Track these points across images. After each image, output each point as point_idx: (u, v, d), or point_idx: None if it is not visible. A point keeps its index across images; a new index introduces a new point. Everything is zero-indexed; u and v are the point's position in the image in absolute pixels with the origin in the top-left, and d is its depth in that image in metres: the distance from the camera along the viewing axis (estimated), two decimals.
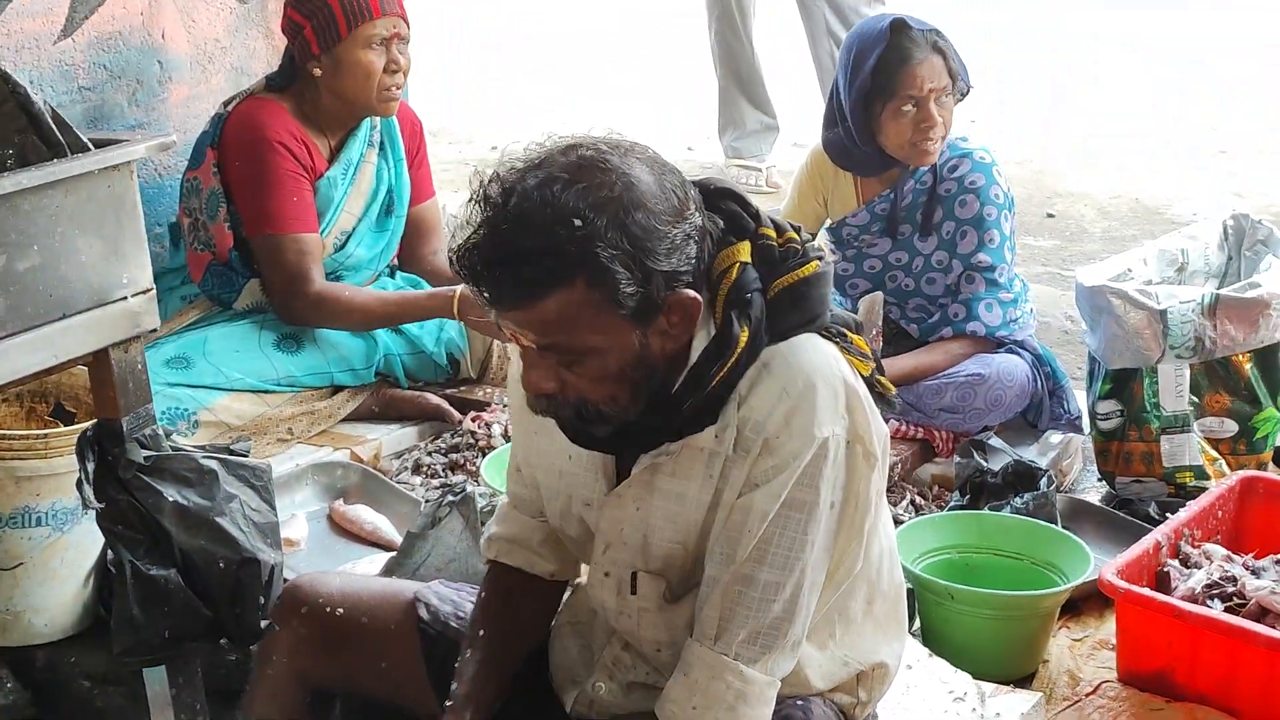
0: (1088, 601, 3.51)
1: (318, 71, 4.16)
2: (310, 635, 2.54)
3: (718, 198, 2.23)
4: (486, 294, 2.09)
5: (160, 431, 2.50)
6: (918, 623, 3.37)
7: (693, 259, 2.13)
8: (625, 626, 2.38)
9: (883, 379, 2.35)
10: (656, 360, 2.17)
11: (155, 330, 2.54)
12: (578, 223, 2.03)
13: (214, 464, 2.51)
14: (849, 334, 2.31)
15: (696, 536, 2.27)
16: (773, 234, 2.24)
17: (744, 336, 2.18)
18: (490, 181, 2.08)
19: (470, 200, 2.09)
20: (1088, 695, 3.20)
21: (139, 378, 2.45)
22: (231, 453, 2.61)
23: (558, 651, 2.53)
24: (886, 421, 4.01)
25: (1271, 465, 4.06)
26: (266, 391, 4.12)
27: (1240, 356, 3.90)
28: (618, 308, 2.08)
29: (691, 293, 2.14)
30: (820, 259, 2.26)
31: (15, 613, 3.29)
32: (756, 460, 2.19)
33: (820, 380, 2.19)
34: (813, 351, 2.23)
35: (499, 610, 2.50)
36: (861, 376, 2.29)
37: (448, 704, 2.40)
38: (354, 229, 4.36)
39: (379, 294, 4.32)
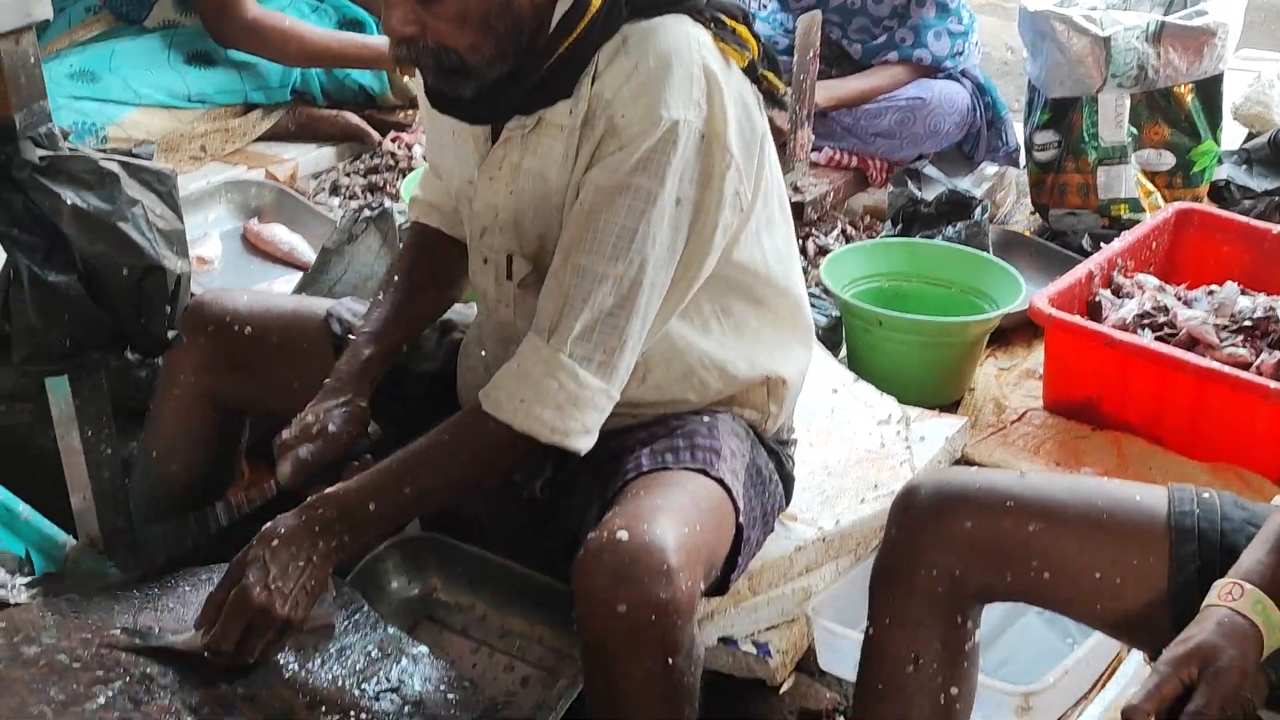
0: (1017, 332, 3.48)
1: None
2: (217, 354, 2.45)
3: None
4: None
5: (57, 131, 2.35)
6: (844, 350, 3.33)
7: None
8: (504, 317, 2.30)
9: (770, 75, 2.23)
10: (521, 11, 2.07)
11: (48, 21, 2.37)
12: None
13: (115, 166, 2.36)
14: (730, 21, 2.18)
15: (559, 220, 2.18)
16: None
17: (597, 1, 2.08)
18: None
19: None
20: (1013, 423, 3.19)
21: (31, 72, 2.29)
22: (133, 155, 2.48)
23: (463, 368, 2.46)
24: (818, 149, 3.94)
25: (1206, 199, 4.01)
26: (178, 108, 3.96)
27: (1182, 87, 3.83)
28: None
29: None
30: None
31: None
32: (602, 139, 2.08)
33: (677, 61, 2.07)
34: (675, 32, 2.10)
35: (414, 261, 2.43)
36: (741, 70, 2.17)
37: (350, 337, 2.35)
38: None
39: (318, 30, 4.12)
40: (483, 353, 2.38)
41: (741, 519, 2.20)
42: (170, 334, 2.38)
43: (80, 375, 2.40)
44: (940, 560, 1.90)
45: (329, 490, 2.11)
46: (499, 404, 2.13)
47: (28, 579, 2.49)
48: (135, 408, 2.78)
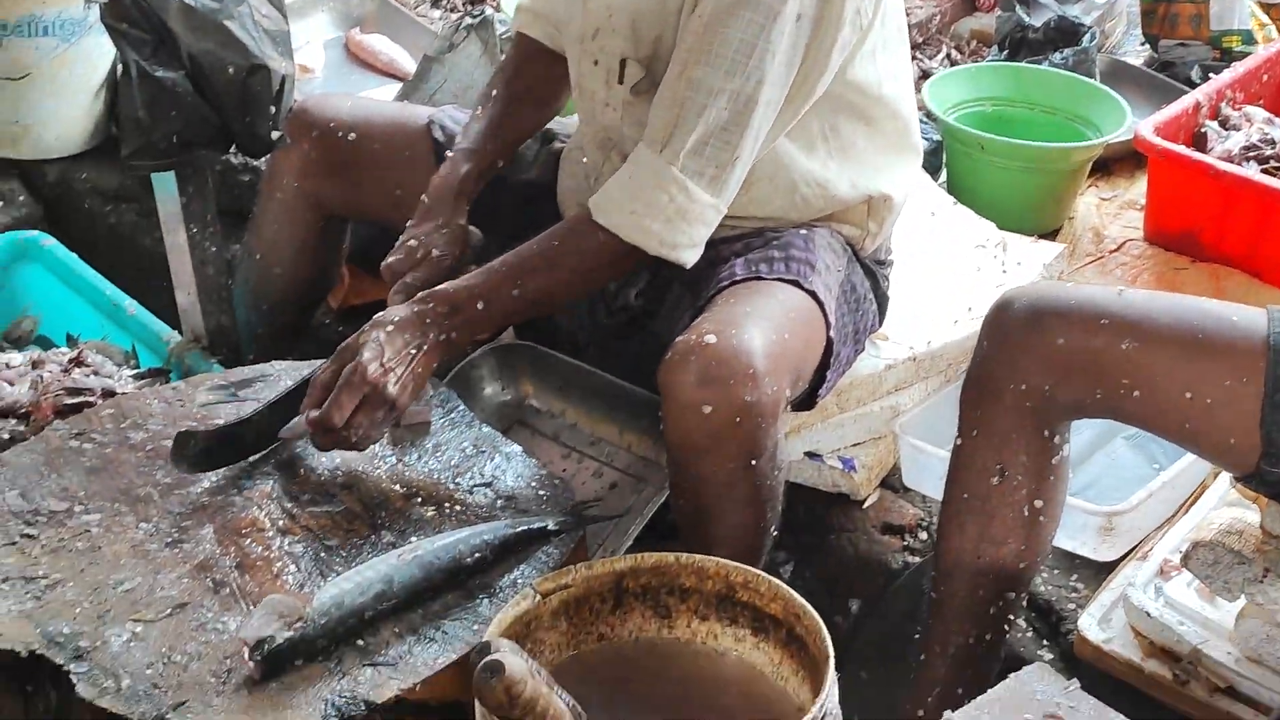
0: (1120, 162, 3.43)
1: None
2: (320, 158, 2.48)
3: None
4: None
5: None
6: (944, 174, 3.30)
7: None
8: (609, 121, 2.29)
9: None
10: None
11: None
12: None
13: None
14: None
15: (676, 25, 2.15)
16: None
17: None
18: None
19: None
20: (1111, 253, 3.16)
21: None
22: None
23: (564, 175, 2.46)
24: None
25: None
26: None
27: None
28: None
29: None
30: None
31: (25, 125, 3.26)
32: None
33: None
34: None
35: (514, 75, 2.43)
36: None
37: (447, 154, 2.36)
38: None
39: None
40: (584, 159, 2.39)
41: (832, 333, 2.21)
42: (274, 135, 2.42)
43: (187, 172, 2.45)
44: (1031, 374, 1.90)
45: (440, 287, 2.14)
46: (608, 214, 2.15)
47: (134, 372, 2.57)
48: (239, 210, 2.83)
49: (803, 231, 2.28)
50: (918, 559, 2.45)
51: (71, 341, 2.70)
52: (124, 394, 2.36)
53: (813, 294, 2.19)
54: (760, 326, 2.04)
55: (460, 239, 2.29)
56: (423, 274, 2.23)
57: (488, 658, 1.58)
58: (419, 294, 2.14)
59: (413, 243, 2.26)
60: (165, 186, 2.46)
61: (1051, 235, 3.21)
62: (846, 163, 2.31)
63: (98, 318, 2.77)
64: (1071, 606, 2.32)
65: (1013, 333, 1.92)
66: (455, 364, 2.47)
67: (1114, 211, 3.32)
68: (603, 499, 2.41)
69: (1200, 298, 1.94)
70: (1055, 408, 1.92)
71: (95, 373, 2.52)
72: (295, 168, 2.49)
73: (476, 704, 1.66)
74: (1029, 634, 2.32)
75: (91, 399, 2.41)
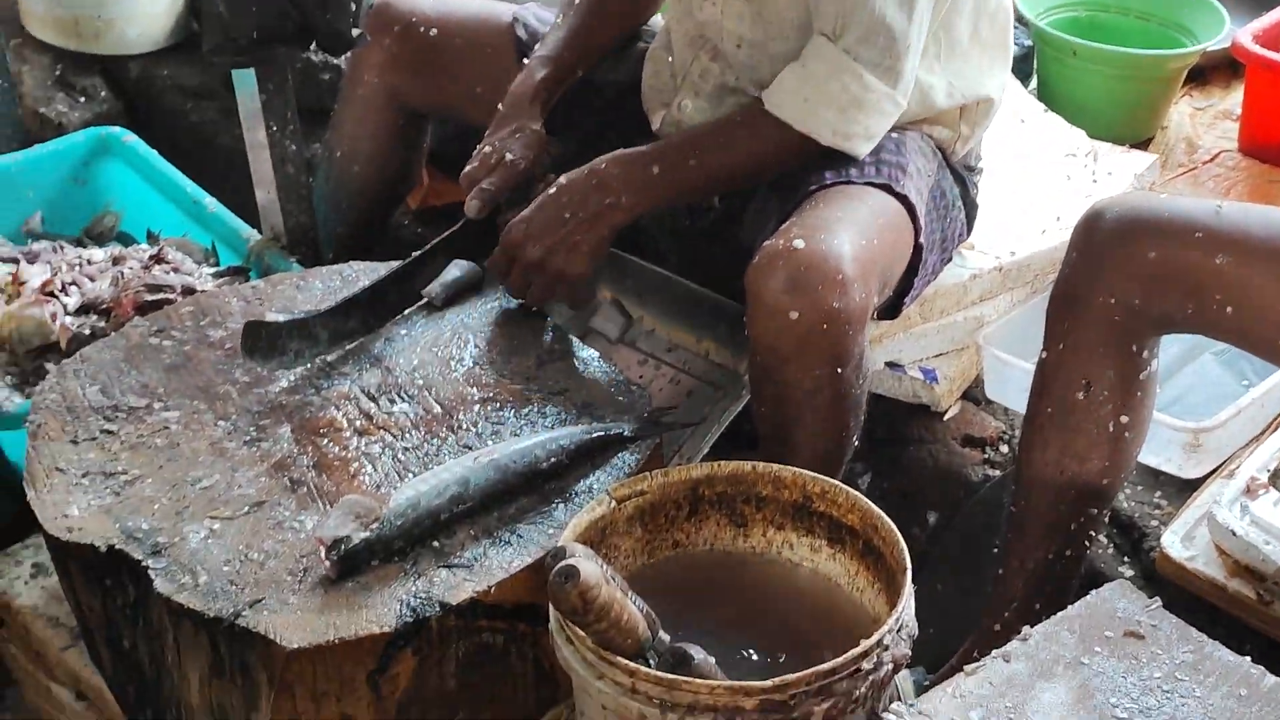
0: (1215, 70, 3.35)
1: None
2: (401, 54, 2.46)
3: None
4: None
5: None
6: (1034, 81, 3.23)
7: None
8: (708, 16, 2.25)
9: None
10: None
11: None
12: None
13: None
14: None
15: None
16: None
17: None
18: None
19: None
20: (1205, 164, 3.10)
21: None
22: None
23: (649, 74, 2.42)
24: None
25: None
26: None
27: None
28: None
29: None
30: None
31: (107, 20, 3.26)
32: None
33: None
34: None
35: None
36: None
37: (525, 60, 2.33)
38: None
39: None
40: (670, 59, 2.35)
41: (921, 239, 2.18)
42: (355, 33, 2.39)
43: (267, 70, 2.43)
44: (1120, 287, 1.86)
45: (613, 153, 2.14)
46: (781, 103, 2.13)
47: (213, 269, 2.57)
48: (320, 108, 2.81)
49: (894, 134, 2.24)
50: (998, 472, 2.43)
51: (152, 238, 2.70)
52: (204, 292, 2.36)
53: (903, 198, 2.16)
54: (849, 232, 2.01)
55: (537, 144, 2.27)
56: (498, 179, 2.21)
57: (562, 562, 1.57)
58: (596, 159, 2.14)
59: (488, 149, 2.24)
60: (245, 83, 2.44)
61: (1143, 145, 3.14)
62: (949, 65, 2.27)
63: (178, 214, 2.76)
64: (1154, 523, 2.29)
65: (1103, 244, 1.87)
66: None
67: (1208, 122, 3.25)
68: (679, 406, 2.40)
69: None
70: (1144, 322, 1.88)
71: (175, 270, 2.52)
72: (376, 64, 2.48)
73: (550, 608, 1.66)
74: (1110, 550, 2.30)
75: (171, 296, 2.41)
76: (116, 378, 2.06)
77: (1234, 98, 3.27)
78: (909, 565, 1.73)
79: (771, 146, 2.15)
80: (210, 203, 2.73)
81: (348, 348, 2.13)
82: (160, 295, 2.42)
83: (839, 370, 2.00)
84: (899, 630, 1.67)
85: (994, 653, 1.70)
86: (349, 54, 2.52)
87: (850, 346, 1.99)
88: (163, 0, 3.26)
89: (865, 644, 1.61)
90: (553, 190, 2.10)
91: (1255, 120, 3.08)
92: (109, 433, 1.97)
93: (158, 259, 2.55)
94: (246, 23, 2.29)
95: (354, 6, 2.34)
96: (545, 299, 2.14)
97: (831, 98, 2.10)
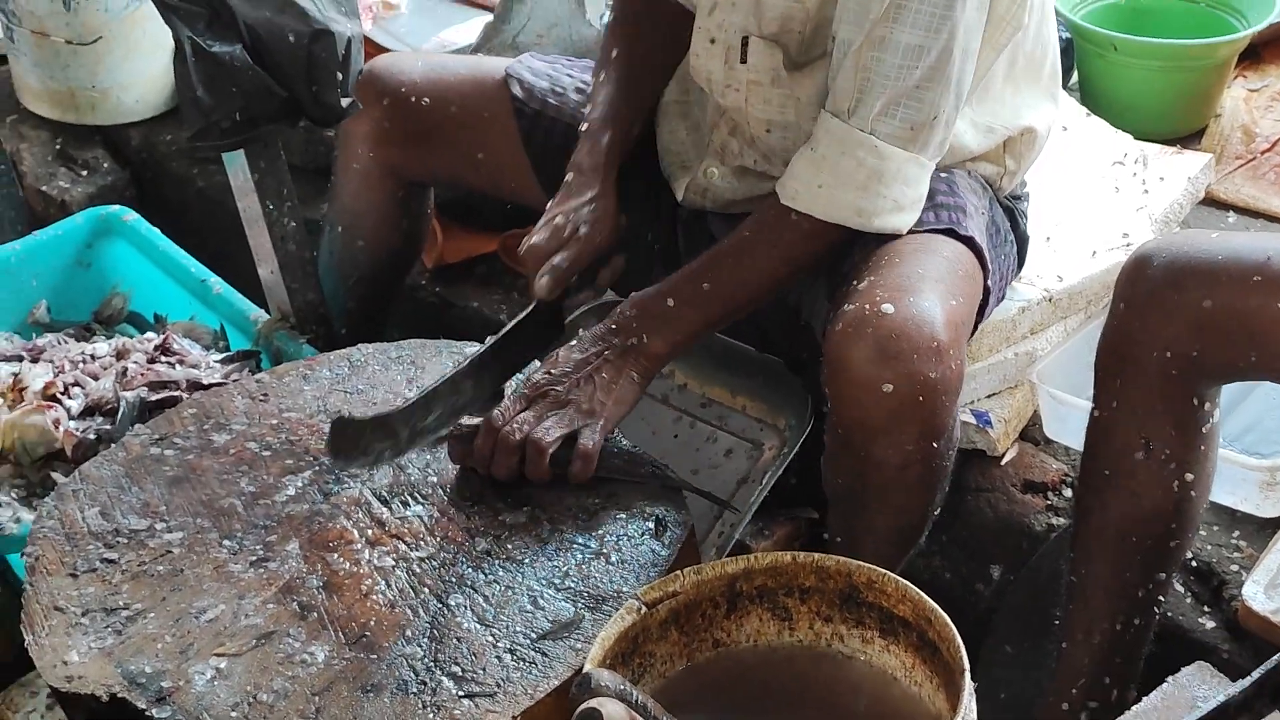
0: (1270, 47, 3.16)
1: None
2: (394, 127, 2.34)
3: None
4: None
5: None
6: (1075, 78, 3.06)
7: None
8: (732, 102, 2.11)
9: None
10: None
11: None
12: None
13: None
14: None
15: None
16: None
17: None
18: None
19: None
20: (1264, 152, 2.92)
21: None
22: None
23: (665, 134, 2.29)
24: None
25: None
26: None
27: None
28: None
29: None
30: None
31: (102, 90, 3.21)
32: None
33: None
34: None
35: (627, 32, 2.24)
36: None
37: (582, 128, 2.18)
38: None
39: None
40: (685, 121, 2.24)
41: (988, 280, 2.05)
42: (345, 101, 2.27)
43: (256, 148, 2.33)
44: (1174, 338, 1.71)
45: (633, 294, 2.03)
46: (796, 194, 1.99)
47: (222, 356, 2.48)
48: (326, 168, 2.71)
49: (942, 174, 2.09)
50: (1062, 520, 2.27)
51: (159, 323, 2.61)
52: (207, 389, 2.26)
53: (969, 240, 2.02)
54: (937, 291, 1.88)
55: (611, 215, 2.12)
56: (572, 253, 2.06)
57: (583, 705, 1.46)
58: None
59: (559, 219, 2.08)
60: (235, 163, 2.34)
61: (1196, 136, 2.97)
62: (982, 108, 2.12)
63: (184, 294, 2.67)
64: (1234, 568, 2.14)
65: (1152, 293, 1.73)
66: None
67: (1264, 104, 3.06)
68: (719, 468, 2.29)
69: None
70: (1204, 373, 1.74)
71: (181, 361, 2.43)
72: (368, 137, 2.37)
73: None
74: (1188, 600, 2.14)
75: (176, 393, 2.32)
76: (117, 496, 1.97)
77: None
78: (967, 666, 1.60)
79: (798, 246, 2.00)
80: (216, 283, 2.63)
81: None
82: (164, 393, 2.32)
83: (934, 445, 1.87)
84: None
85: None
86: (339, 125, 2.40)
87: (945, 418, 1.86)
88: (159, 62, 3.17)
89: None
90: (573, 342, 1.98)
91: None
92: (109, 561, 1.87)
93: (163, 349, 2.45)
94: (228, 105, 2.18)
95: (341, 76, 2.22)
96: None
97: (847, 176, 1.95)
